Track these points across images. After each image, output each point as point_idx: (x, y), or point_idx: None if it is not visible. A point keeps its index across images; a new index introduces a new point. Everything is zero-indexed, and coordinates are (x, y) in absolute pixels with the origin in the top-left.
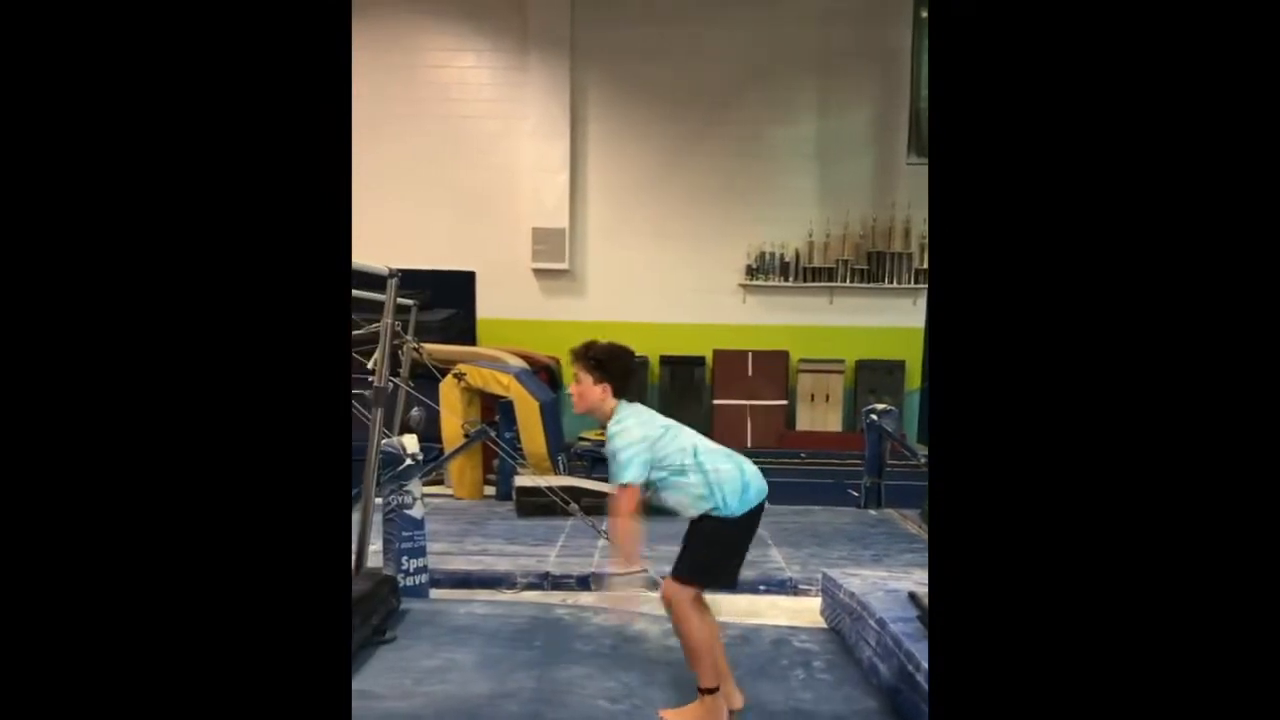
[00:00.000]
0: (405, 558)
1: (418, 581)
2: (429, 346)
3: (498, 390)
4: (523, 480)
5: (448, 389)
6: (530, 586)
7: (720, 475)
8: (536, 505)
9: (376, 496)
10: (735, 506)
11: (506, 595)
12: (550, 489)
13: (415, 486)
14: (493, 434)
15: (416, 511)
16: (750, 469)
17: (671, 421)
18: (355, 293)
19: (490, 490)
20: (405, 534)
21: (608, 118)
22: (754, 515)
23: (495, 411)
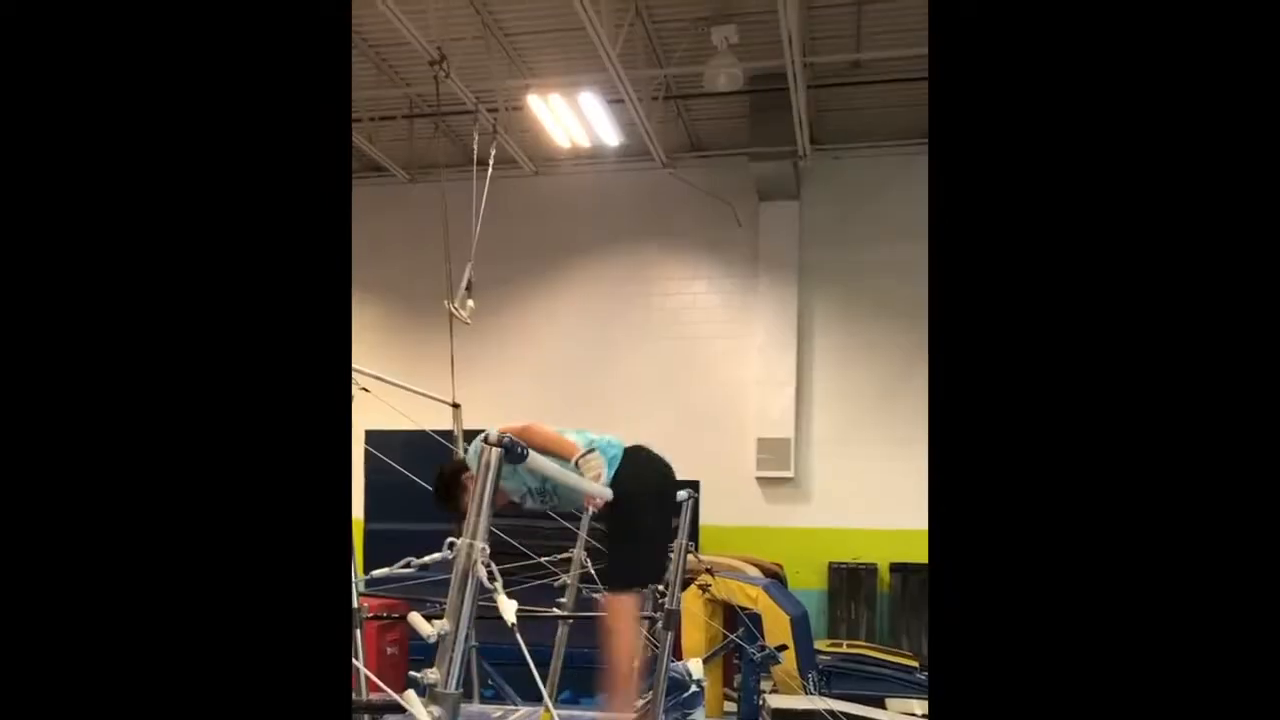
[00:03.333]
0: None
1: None
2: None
3: (744, 602)
4: (777, 701)
5: (690, 600)
6: None
7: None
8: None
9: None
10: None
11: None
12: (809, 711)
13: (699, 713)
14: (779, 656)
15: None
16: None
17: None
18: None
19: (731, 707)
20: None
21: (834, 332)
22: None
23: (738, 624)
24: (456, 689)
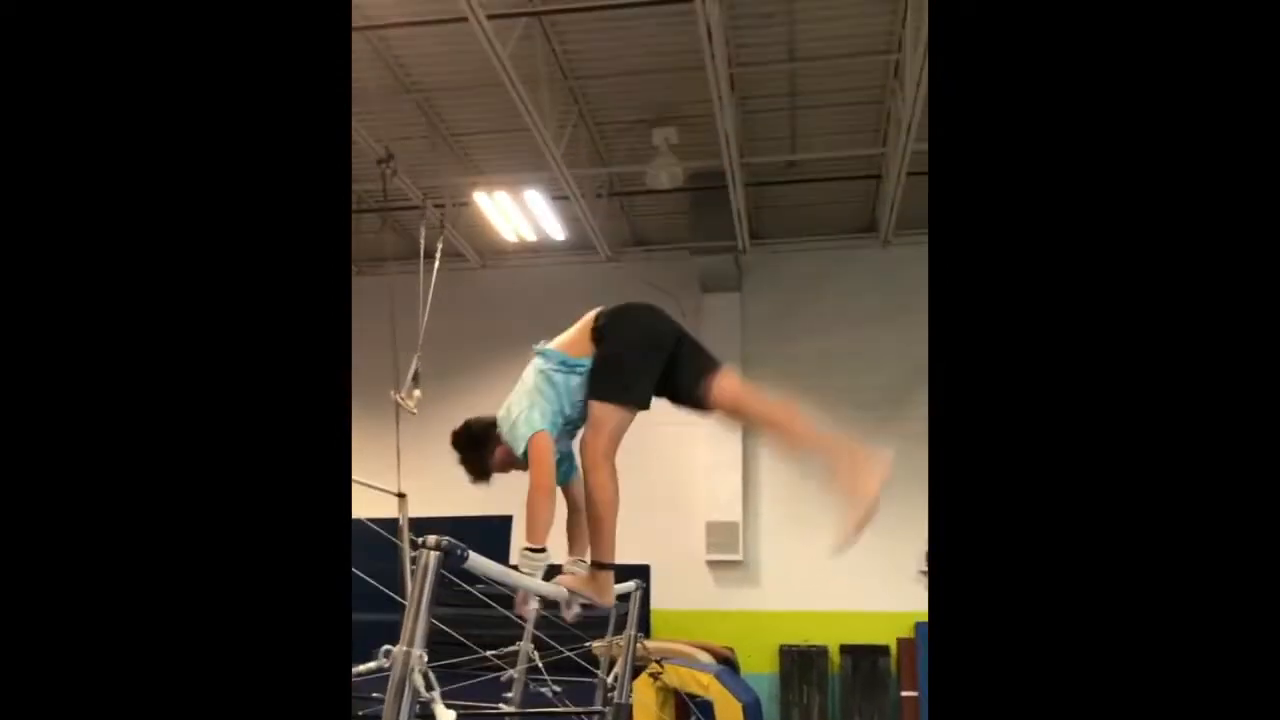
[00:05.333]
0: None
1: None
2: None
3: (696, 690)
4: None
5: (641, 688)
6: None
7: None
8: None
9: None
10: None
11: None
12: None
13: None
14: None
15: None
16: None
17: None
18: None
19: None
20: None
21: None
22: None
23: (690, 713)
24: None
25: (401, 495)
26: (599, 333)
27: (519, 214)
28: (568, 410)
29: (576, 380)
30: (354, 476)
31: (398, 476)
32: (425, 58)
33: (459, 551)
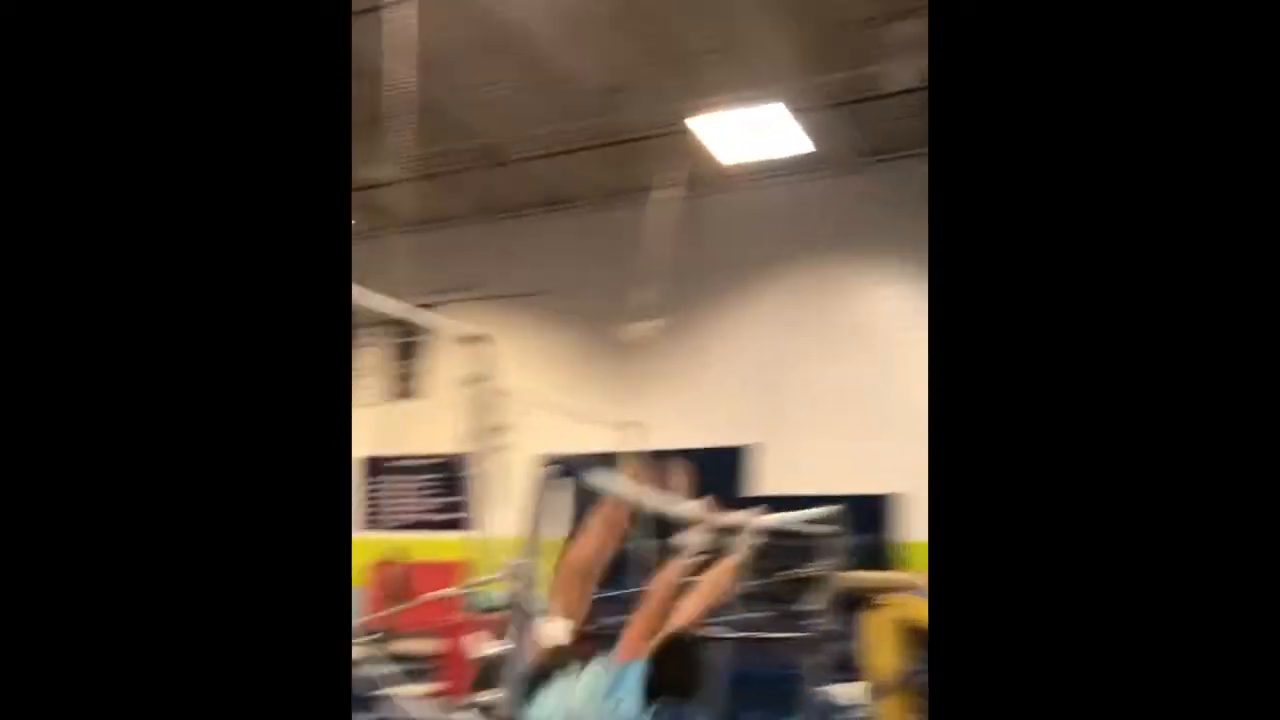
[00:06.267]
0: None
1: None
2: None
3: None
4: None
5: (877, 622)
6: None
7: None
8: None
9: None
10: None
11: None
12: None
13: None
14: None
15: None
16: None
17: None
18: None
19: None
20: None
21: None
22: None
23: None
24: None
25: (628, 427)
26: None
27: (746, 134)
28: None
29: None
30: (578, 410)
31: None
32: None
33: (570, 472)
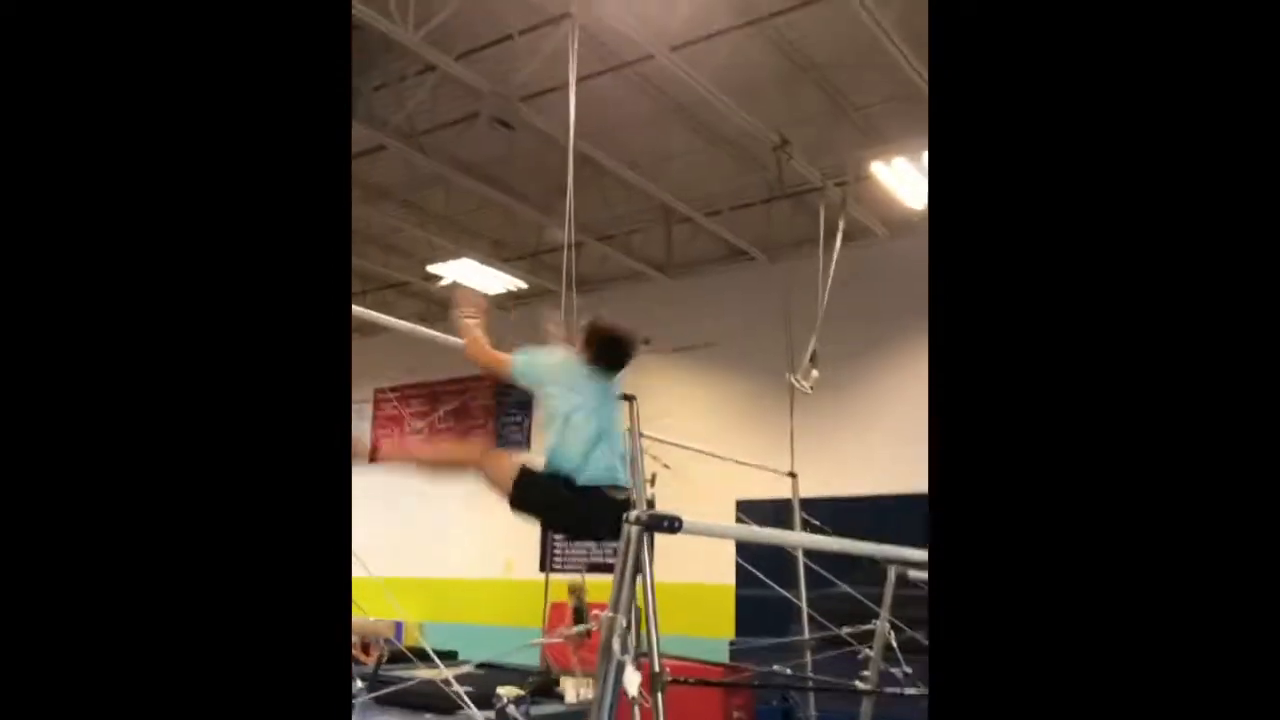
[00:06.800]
0: None
1: None
2: None
3: None
4: None
5: None
6: None
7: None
8: None
9: None
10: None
11: None
12: None
13: None
14: None
15: None
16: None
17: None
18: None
19: None
20: None
21: None
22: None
23: None
24: None
25: (793, 475)
26: None
27: (920, 180)
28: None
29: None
30: (745, 459)
31: (791, 457)
32: (813, 38)
33: (666, 523)
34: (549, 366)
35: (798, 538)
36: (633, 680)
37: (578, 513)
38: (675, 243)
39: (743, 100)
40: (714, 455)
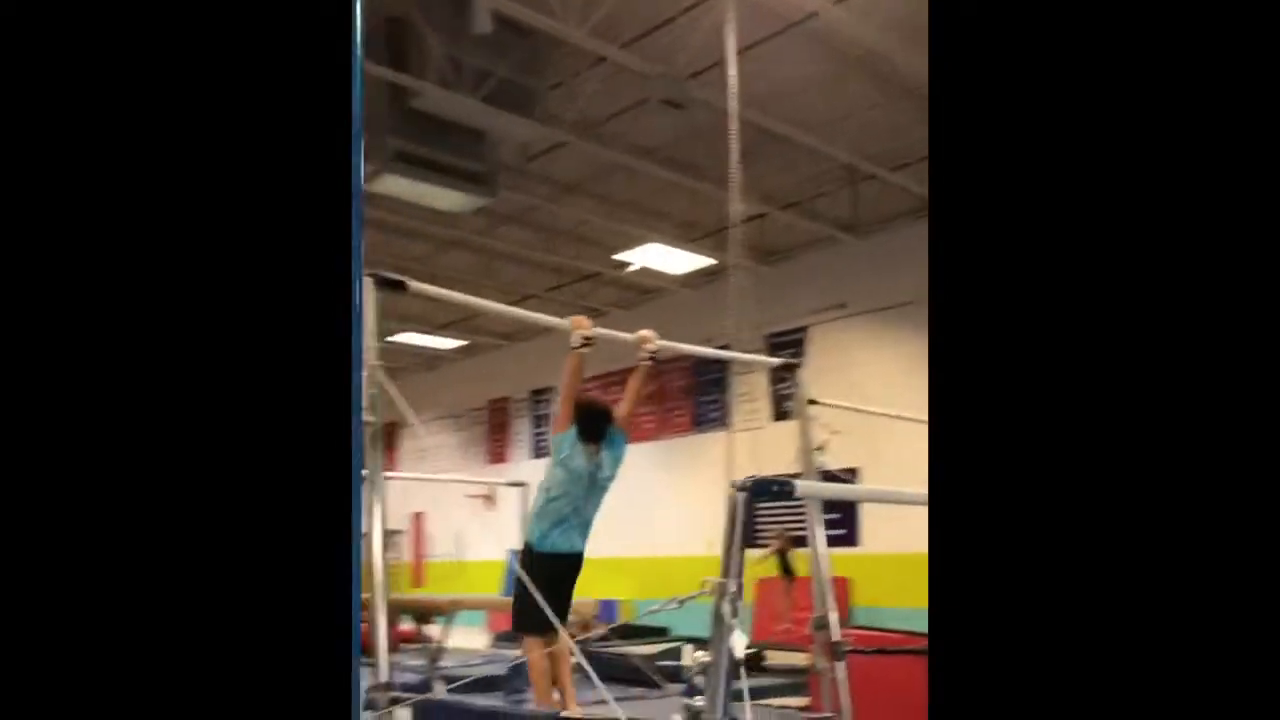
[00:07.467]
0: None
1: None
2: None
3: None
4: None
5: None
6: None
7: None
8: None
9: None
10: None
11: None
12: None
13: None
14: None
15: None
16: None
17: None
18: None
19: None
20: None
21: None
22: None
23: None
24: (725, 716)
25: None
26: None
27: None
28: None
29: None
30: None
31: None
32: None
33: (775, 487)
34: (565, 456)
35: None
36: (739, 643)
37: (535, 574)
38: (862, 202)
39: (915, 46)
40: (898, 417)
